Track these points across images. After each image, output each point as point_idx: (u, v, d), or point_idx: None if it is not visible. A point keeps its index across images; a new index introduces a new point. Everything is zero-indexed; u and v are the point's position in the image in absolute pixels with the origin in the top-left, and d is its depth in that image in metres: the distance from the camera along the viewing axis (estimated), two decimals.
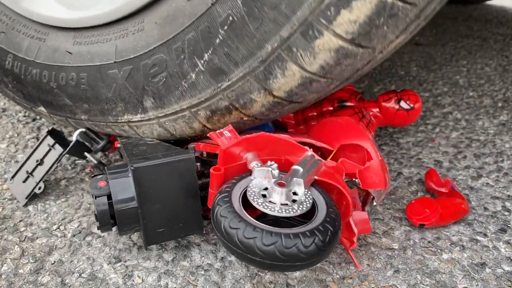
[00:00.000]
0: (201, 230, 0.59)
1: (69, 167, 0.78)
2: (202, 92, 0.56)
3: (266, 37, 0.49)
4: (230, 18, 0.50)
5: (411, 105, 0.80)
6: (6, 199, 0.69)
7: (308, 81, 0.51)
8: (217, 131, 0.56)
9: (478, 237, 0.64)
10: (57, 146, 0.70)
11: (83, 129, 0.70)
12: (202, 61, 0.54)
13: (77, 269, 0.57)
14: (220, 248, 0.61)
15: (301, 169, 0.53)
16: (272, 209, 0.48)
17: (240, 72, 0.52)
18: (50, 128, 0.71)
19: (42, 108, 0.73)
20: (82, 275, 0.56)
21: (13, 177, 0.69)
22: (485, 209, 0.71)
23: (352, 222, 0.55)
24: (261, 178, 0.52)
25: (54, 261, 0.58)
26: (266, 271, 0.57)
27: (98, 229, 0.54)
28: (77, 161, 0.80)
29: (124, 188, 0.54)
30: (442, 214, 0.64)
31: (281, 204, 0.49)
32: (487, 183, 0.78)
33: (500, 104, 1.11)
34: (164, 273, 0.56)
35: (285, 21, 0.47)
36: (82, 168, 0.78)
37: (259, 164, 0.54)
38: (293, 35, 0.47)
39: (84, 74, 0.65)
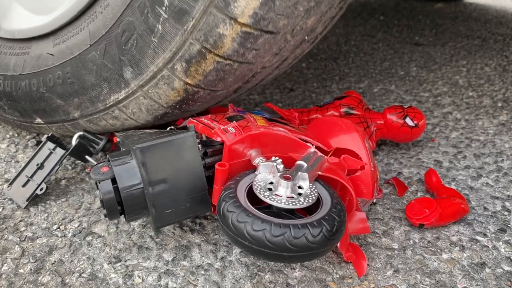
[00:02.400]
0: (209, 209, 0.58)
1: (69, 167, 0.78)
2: (172, 42, 0.57)
3: None
4: None
5: (416, 123, 0.82)
6: (6, 199, 0.69)
7: None
8: (222, 128, 0.56)
9: (478, 237, 0.65)
10: (58, 149, 0.70)
11: (81, 133, 0.71)
12: (164, 8, 0.55)
13: (77, 269, 0.57)
14: (220, 248, 0.61)
15: (305, 164, 0.54)
16: (279, 202, 0.49)
17: (201, 6, 0.52)
18: (49, 134, 0.71)
19: (39, 120, 0.75)
20: (83, 275, 0.56)
21: (11, 183, 0.69)
22: (485, 209, 0.71)
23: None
24: (266, 173, 0.53)
25: (54, 261, 0.58)
26: (267, 270, 0.57)
27: (105, 217, 0.54)
28: (77, 161, 0.80)
29: (128, 171, 0.54)
30: (442, 214, 0.64)
31: (287, 197, 0.50)
32: (487, 183, 0.78)
33: (500, 104, 1.11)
34: (164, 273, 0.57)
35: None
36: (82, 168, 0.78)
37: (264, 160, 0.54)
38: None
39: (68, 69, 0.68)
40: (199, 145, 0.58)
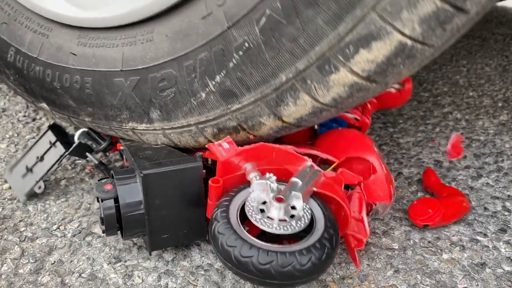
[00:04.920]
0: (204, 237, 0.59)
1: (69, 167, 0.78)
2: (211, 111, 0.56)
3: (282, 67, 0.48)
4: (246, 44, 0.49)
5: (402, 85, 0.80)
6: (6, 199, 0.69)
7: (318, 110, 0.51)
8: (216, 142, 0.56)
9: (478, 237, 0.64)
10: (58, 144, 0.69)
11: (85, 129, 0.70)
12: (214, 82, 0.53)
13: (77, 269, 0.57)
14: None
15: (300, 182, 0.53)
16: (270, 226, 0.48)
17: (252, 97, 0.52)
18: (51, 123, 0.71)
19: (44, 105, 0.72)
20: (82, 275, 0.56)
21: (12, 168, 0.69)
22: (485, 209, 0.71)
23: (366, 223, 0.55)
24: (260, 191, 0.52)
25: (54, 261, 0.58)
26: None
27: (103, 233, 0.54)
28: (77, 161, 0.80)
29: (131, 193, 0.54)
30: (445, 213, 0.64)
31: (279, 220, 0.49)
32: (487, 183, 0.78)
33: (500, 104, 1.11)
34: (164, 273, 0.56)
35: (302, 54, 0.47)
36: (82, 168, 0.78)
37: (258, 177, 0.53)
38: (309, 68, 0.47)
39: (89, 79, 0.63)
40: (204, 171, 0.57)
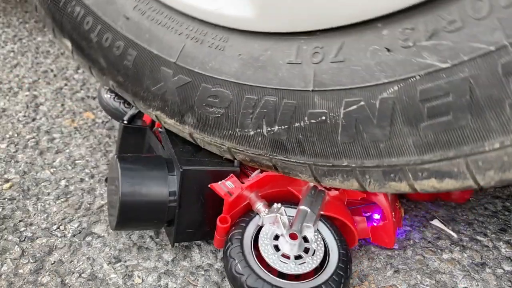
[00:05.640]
0: None
1: (69, 167, 0.78)
2: (252, 148, 0.52)
3: (349, 155, 0.47)
4: (323, 118, 0.46)
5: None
6: (6, 199, 0.69)
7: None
8: (219, 182, 0.55)
9: (478, 237, 0.64)
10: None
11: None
12: (269, 129, 0.50)
13: (77, 269, 0.57)
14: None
15: (308, 210, 0.53)
16: (288, 268, 0.49)
17: (302, 160, 0.50)
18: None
19: (68, 43, 0.65)
20: (82, 275, 0.56)
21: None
22: (485, 209, 0.71)
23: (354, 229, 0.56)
24: (270, 224, 0.53)
25: (54, 261, 0.58)
26: None
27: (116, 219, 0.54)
28: (77, 161, 0.80)
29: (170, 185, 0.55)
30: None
31: (295, 258, 0.50)
32: None
33: None
34: (164, 273, 0.56)
35: (376, 156, 0.45)
36: (82, 168, 0.78)
37: (266, 210, 0.54)
38: (375, 168, 0.46)
39: (134, 53, 0.56)
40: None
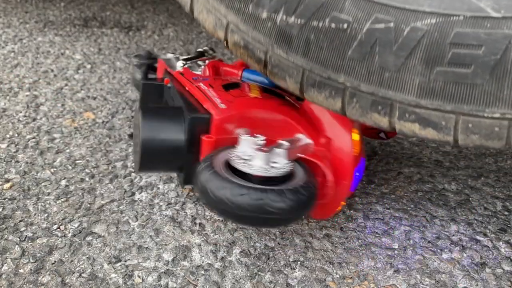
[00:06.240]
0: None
1: (69, 166, 0.78)
2: (255, 31, 0.49)
3: (348, 72, 0.45)
4: (345, 26, 0.43)
5: (388, 137, 0.77)
6: (7, 199, 0.69)
7: None
8: (213, 99, 0.59)
9: (478, 237, 0.64)
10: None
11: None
12: (284, 18, 0.47)
13: (77, 269, 0.57)
14: (220, 248, 0.61)
15: (286, 143, 0.54)
16: (249, 168, 0.51)
17: (297, 62, 0.48)
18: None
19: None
20: (83, 275, 0.56)
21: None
22: (485, 208, 0.71)
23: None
24: (246, 147, 0.54)
25: (55, 261, 0.58)
26: (267, 270, 0.57)
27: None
28: (77, 161, 0.80)
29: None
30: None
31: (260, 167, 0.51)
32: (487, 183, 0.78)
33: None
34: (164, 273, 0.57)
35: None
36: (82, 168, 0.78)
37: (248, 135, 0.55)
38: None
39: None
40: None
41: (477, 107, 0.39)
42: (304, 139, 0.58)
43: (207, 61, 0.79)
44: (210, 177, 0.50)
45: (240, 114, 0.58)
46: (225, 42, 0.54)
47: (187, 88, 0.68)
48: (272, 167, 0.51)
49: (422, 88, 0.41)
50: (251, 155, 0.52)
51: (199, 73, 0.76)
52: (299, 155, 0.56)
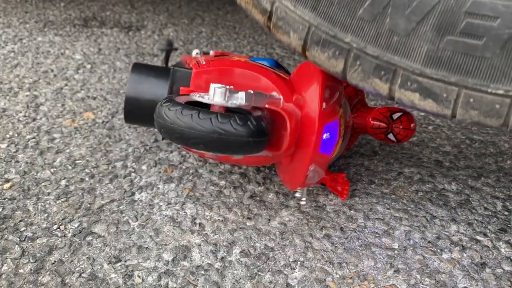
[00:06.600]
0: None
1: (69, 166, 0.78)
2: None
3: (355, 32, 0.44)
4: None
5: (399, 139, 0.76)
6: (6, 199, 0.69)
7: None
8: (196, 60, 0.62)
9: (478, 237, 0.64)
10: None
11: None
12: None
13: (77, 269, 0.57)
14: (220, 248, 0.61)
15: (251, 92, 0.54)
16: (203, 98, 0.53)
17: (304, 16, 0.47)
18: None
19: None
20: (83, 275, 0.56)
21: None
22: (485, 209, 0.71)
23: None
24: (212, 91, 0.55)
25: (54, 261, 0.58)
26: (267, 270, 0.57)
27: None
28: (77, 161, 0.80)
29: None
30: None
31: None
32: (487, 183, 0.78)
33: None
34: (164, 273, 0.56)
35: None
36: (82, 168, 0.78)
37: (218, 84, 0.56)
38: None
39: None
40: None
41: (481, 81, 0.38)
42: (276, 95, 0.59)
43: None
44: (164, 104, 0.52)
45: (218, 70, 0.62)
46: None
47: (187, 62, 0.73)
48: (230, 104, 0.53)
49: (429, 57, 0.41)
50: (212, 92, 0.54)
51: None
52: (266, 106, 0.57)
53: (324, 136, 0.57)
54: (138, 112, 0.65)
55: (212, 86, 0.54)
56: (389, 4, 0.42)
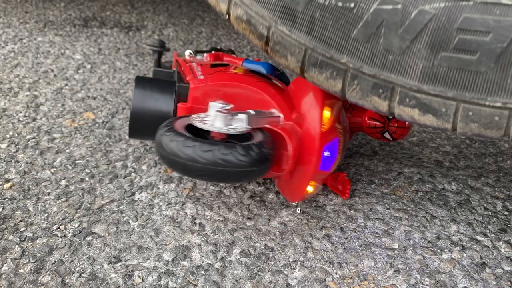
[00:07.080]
0: None
1: (69, 166, 0.78)
2: (259, 5, 0.49)
3: (351, 52, 0.45)
4: (352, 5, 0.43)
5: (394, 138, 0.76)
6: (6, 199, 0.69)
7: None
8: (195, 73, 0.62)
9: (478, 237, 0.64)
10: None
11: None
12: None
13: (77, 269, 0.57)
14: (220, 248, 0.61)
15: (251, 112, 0.54)
16: (204, 124, 0.52)
17: (300, 40, 0.48)
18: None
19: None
20: (83, 275, 0.56)
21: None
22: (485, 209, 0.71)
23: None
24: (211, 111, 0.54)
25: (55, 261, 0.58)
26: (267, 270, 0.57)
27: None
28: (77, 161, 0.80)
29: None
30: None
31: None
32: (487, 183, 0.78)
33: None
34: (164, 273, 0.56)
35: None
36: (82, 168, 0.78)
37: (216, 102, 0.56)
38: None
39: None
40: None
41: (479, 95, 0.39)
42: (275, 112, 0.59)
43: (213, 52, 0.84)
44: (165, 134, 0.51)
45: (216, 85, 0.61)
46: (227, 15, 0.53)
47: (182, 68, 0.72)
48: (231, 129, 0.52)
49: (425, 73, 0.41)
50: (212, 117, 0.53)
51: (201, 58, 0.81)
52: (267, 126, 0.57)
53: (325, 154, 0.58)
54: (143, 128, 0.65)
55: (212, 106, 0.53)
56: (382, 24, 0.42)
